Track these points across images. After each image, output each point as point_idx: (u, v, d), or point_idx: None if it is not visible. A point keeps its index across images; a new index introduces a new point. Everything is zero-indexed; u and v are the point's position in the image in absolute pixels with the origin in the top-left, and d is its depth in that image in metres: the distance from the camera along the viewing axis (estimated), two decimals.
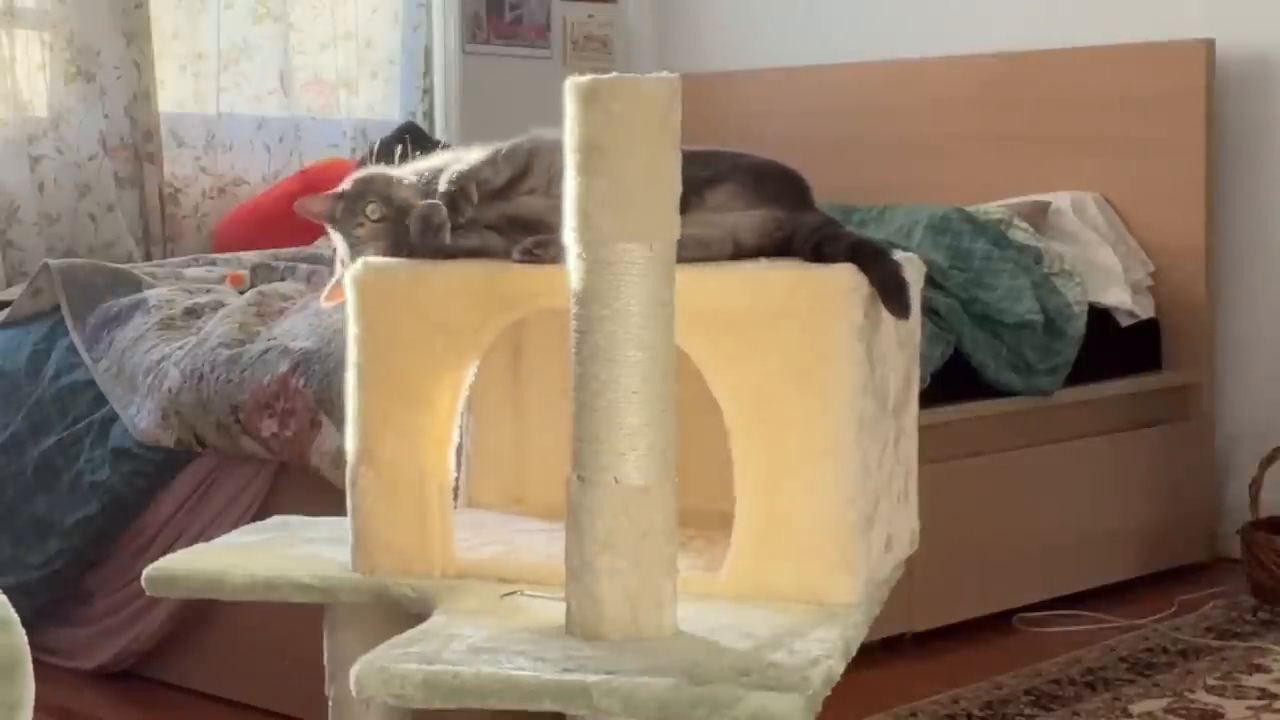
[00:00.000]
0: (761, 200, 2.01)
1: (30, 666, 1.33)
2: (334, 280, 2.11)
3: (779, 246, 2.00)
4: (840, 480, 1.87)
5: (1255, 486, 3.93)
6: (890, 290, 1.92)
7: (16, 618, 1.34)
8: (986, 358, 3.67)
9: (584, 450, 1.72)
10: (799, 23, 5.15)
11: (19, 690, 1.31)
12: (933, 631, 3.53)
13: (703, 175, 1.98)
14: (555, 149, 1.85)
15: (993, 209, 4.10)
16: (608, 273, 1.70)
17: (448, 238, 2.00)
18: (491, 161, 2.06)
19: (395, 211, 2.04)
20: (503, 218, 2.03)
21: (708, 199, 1.98)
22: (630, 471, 1.71)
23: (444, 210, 2.01)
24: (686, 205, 1.81)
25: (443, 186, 2.05)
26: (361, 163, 2.26)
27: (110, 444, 3.26)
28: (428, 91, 5.00)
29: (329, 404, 2.88)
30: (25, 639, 1.34)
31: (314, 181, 4.35)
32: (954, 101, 4.62)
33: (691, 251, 1.82)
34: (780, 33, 5.19)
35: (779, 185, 2.05)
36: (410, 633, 1.75)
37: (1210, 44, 4.19)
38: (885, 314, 1.96)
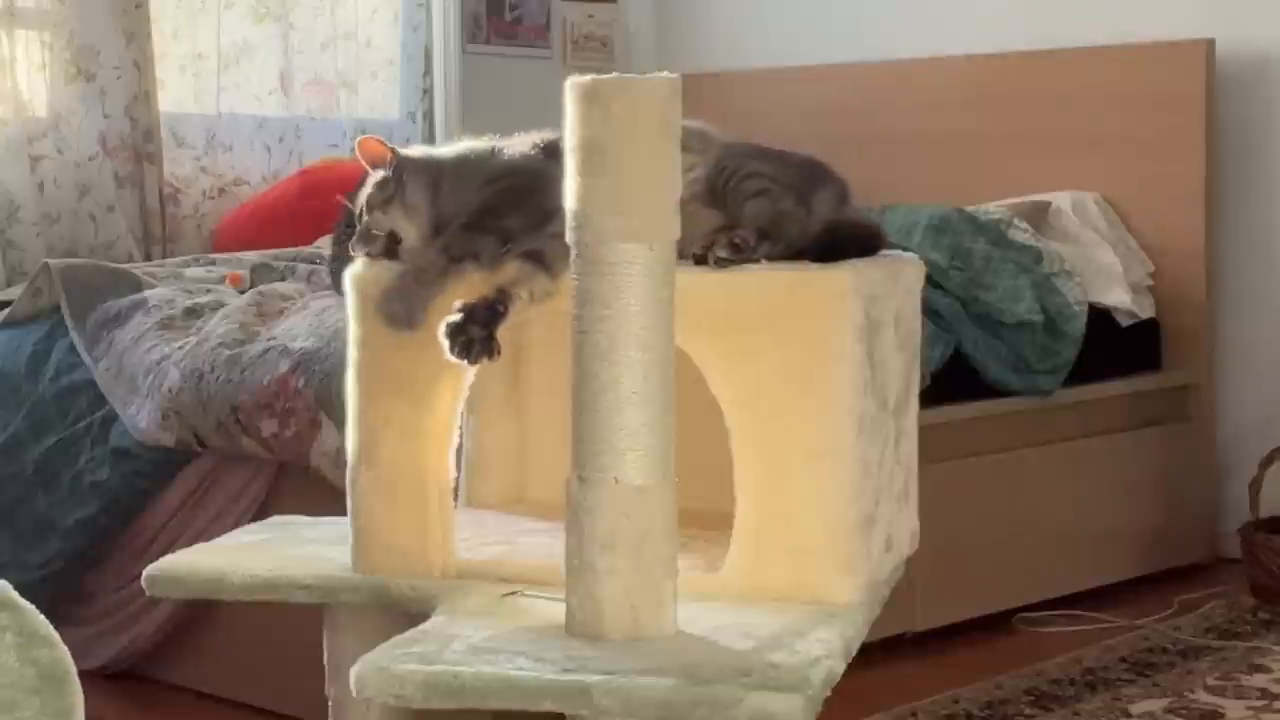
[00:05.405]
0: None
1: (76, 677, 1.38)
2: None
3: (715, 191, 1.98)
4: (840, 480, 1.87)
5: (1255, 486, 3.93)
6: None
7: (57, 635, 1.41)
8: (986, 358, 3.67)
9: (584, 450, 1.72)
10: (799, 23, 5.15)
11: (69, 698, 1.37)
12: (933, 631, 3.53)
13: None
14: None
15: (993, 209, 4.10)
16: (608, 273, 1.70)
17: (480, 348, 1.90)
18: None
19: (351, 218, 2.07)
20: None
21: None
22: (630, 471, 1.70)
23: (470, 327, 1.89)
24: None
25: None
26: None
27: (110, 444, 3.26)
28: (428, 91, 4.99)
29: (329, 404, 2.88)
30: (68, 652, 1.40)
31: (314, 181, 4.35)
32: (954, 101, 4.62)
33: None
34: (780, 33, 5.19)
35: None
36: (410, 633, 1.75)
37: (1210, 44, 4.19)
38: (885, 314, 1.96)
